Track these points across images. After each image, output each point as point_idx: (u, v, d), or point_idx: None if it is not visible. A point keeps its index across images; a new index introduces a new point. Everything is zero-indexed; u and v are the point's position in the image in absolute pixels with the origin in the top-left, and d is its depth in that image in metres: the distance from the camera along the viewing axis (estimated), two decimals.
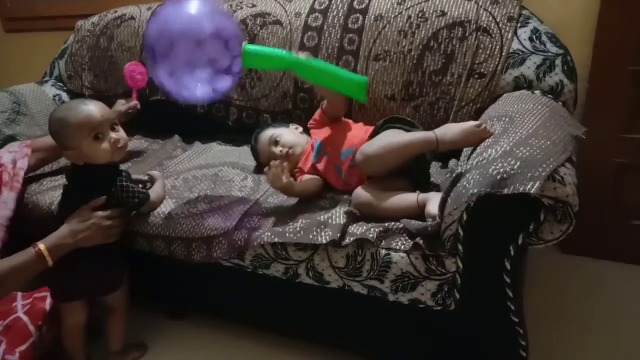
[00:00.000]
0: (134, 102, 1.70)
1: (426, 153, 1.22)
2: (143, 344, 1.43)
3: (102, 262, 1.22)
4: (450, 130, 1.07)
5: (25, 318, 1.25)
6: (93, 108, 1.14)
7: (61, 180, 1.53)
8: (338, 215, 1.15)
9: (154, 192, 1.29)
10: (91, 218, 1.15)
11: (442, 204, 0.99)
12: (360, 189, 1.18)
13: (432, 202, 1.06)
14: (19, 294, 1.31)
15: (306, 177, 1.38)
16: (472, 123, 1.06)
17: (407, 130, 1.24)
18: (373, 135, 1.30)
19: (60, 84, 2.17)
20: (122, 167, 1.30)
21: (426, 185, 1.28)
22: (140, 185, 1.29)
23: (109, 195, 1.18)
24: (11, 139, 1.69)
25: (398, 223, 1.10)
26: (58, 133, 1.15)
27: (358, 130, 1.40)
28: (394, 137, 1.15)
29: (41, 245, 1.08)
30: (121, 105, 1.66)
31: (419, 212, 1.09)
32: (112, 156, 1.17)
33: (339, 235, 1.07)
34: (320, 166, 1.38)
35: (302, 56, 1.25)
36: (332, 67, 1.36)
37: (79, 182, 1.21)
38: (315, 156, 1.40)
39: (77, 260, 1.15)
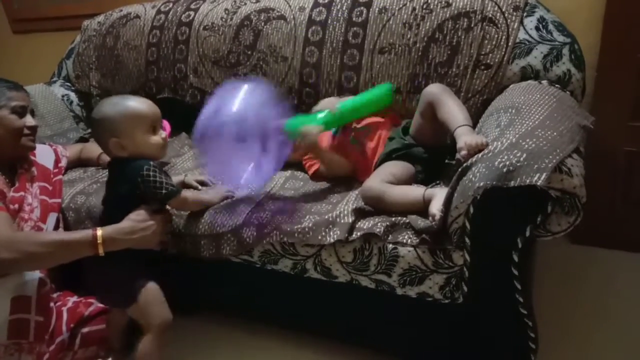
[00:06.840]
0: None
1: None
2: None
3: (110, 275, 1.14)
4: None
5: (65, 315, 1.24)
6: (151, 103, 1.18)
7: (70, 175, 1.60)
8: (346, 213, 1.14)
9: (194, 193, 1.26)
10: (152, 220, 1.12)
11: (449, 199, 0.99)
12: (369, 182, 1.19)
13: (436, 201, 1.06)
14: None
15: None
16: None
17: (413, 163, 1.28)
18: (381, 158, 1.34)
19: (69, 84, 2.19)
20: None
21: (436, 176, 1.28)
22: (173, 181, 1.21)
23: (137, 188, 1.11)
24: None
25: (405, 218, 1.10)
26: (114, 119, 1.11)
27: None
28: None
29: (99, 232, 1.05)
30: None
31: (424, 207, 1.09)
32: (160, 151, 1.17)
33: (347, 235, 1.08)
34: (337, 140, 1.46)
35: (336, 106, 1.34)
36: (359, 99, 1.39)
37: (112, 175, 1.18)
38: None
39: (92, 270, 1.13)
